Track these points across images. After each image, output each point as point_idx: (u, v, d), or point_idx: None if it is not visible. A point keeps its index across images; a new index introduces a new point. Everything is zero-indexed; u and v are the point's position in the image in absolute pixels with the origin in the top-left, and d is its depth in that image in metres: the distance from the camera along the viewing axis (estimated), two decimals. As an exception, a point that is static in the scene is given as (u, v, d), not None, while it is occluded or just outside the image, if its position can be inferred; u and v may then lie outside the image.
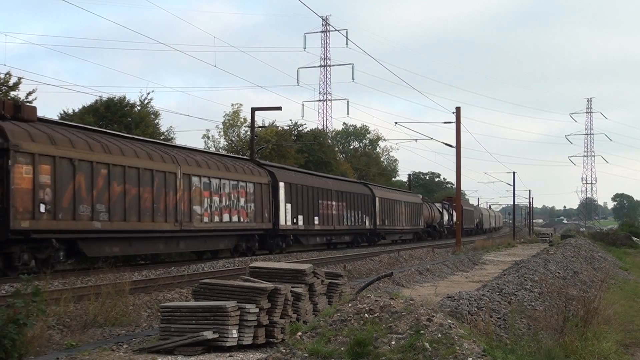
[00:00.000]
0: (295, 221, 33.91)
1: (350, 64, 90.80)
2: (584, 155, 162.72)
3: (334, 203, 39.46)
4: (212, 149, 54.52)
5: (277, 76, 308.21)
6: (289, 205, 33.29)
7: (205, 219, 26.30)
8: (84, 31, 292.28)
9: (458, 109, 40.58)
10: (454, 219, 71.51)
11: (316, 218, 36.62)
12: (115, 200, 21.48)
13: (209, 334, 8.98)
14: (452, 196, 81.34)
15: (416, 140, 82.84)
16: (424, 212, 62.38)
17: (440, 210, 69.93)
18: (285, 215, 32.77)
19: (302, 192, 35.16)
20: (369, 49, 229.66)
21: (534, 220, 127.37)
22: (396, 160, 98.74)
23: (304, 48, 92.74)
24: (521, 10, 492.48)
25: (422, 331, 7.44)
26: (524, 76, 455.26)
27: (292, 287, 10.30)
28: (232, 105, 63.97)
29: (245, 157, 36.47)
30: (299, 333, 8.17)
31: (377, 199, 47.02)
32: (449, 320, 7.85)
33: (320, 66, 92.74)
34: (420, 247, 41.90)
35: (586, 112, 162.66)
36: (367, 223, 45.24)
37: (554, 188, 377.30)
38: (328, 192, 38.89)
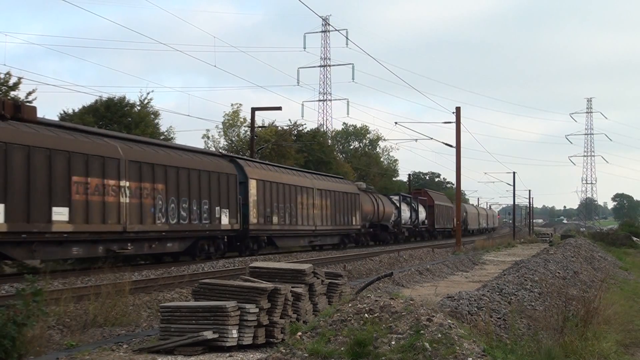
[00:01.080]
0: None
1: (350, 64, 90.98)
2: (584, 155, 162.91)
3: (127, 185, 21.91)
4: (212, 149, 54.57)
5: (277, 76, 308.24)
6: None
7: None
8: (84, 31, 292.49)
9: (458, 109, 40.60)
10: (421, 217, 59.65)
11: (62, 210, 19.41)
12: None
13: (209, 334, 8.99)
14: (420, 189, 70.70)
15: (416, 140, 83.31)
16: (365, 207, 45.05)
17: (397, 205, 53.23)
18: None
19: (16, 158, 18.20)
20: (369, 49, 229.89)
21: (534, 220, 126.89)
22: (396, 160, 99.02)
23: (304, 48, 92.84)
24: (521, 10, 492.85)
25: (422, 331, 7.44)
26: (524, 76, 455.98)
27: (292, 287, 10.30)
28: (232, 105, 64.07)
29: None
30: (299, 333, 8.16)
31: (251, 182, 30.03)
32: (449, 320, 7.85)
33: (320, 66, 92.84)
34: (420, 247, 41.87)
35: (586, 112, 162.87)
36: (226, 220, 27.71)
37: (554, 188, 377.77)
38: (111, 163, 21.35)
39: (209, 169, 27.02)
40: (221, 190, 27.51)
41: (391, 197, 54.30)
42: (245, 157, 35.27)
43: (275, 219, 32.02)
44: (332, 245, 40.51)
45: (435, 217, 64.22)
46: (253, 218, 29.99)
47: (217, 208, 27.19)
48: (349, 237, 42.91)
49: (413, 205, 58.13)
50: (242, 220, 28.93)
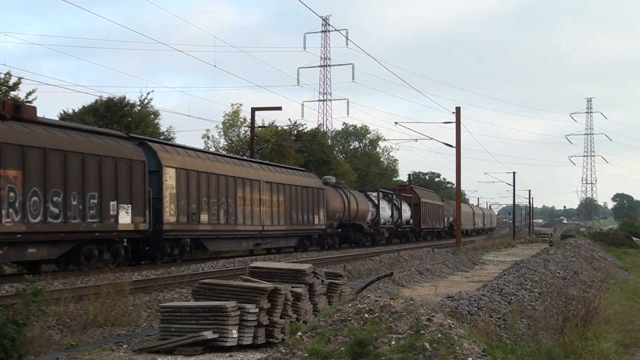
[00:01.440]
0: None
1: (350, 64, 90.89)
2: (584, 155, 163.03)
3: None
4: (212, 149, 54.55)
5: (277, 76, 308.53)
6: None
7: None
8: (84, 31, 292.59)
9: (458, 109, 40.62)
10: (405, 216, 54.34)
11: None
12: None
13: (209, 334, 8.99)
14: (404, 185, 63.78)
15: (416, 140, 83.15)
16: (331, 204, 39.31)
17: (376, 202, 47.37)
18: None
19: None
20: (369, 49, 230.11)
21: (534, 220, 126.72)
22: (396, 160, 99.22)
23: (304, 48, 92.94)
24: (521, 10, 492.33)
25: (422, 331, 7.43)
26: (524, 76, 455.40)
27: (292, 287, 10.31)
28: (232, 105, 63.95)
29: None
30: (299, 333, 8.16)
31: (167, 170, 24.28)
32: (449, 320, 7.85)
33: (320, 66, 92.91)
34: (420, 247, 41.87)
35: (586, 112, 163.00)
36: (127, 218, 22.06)
37: (554, 188, 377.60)
38: None
39: (99, 153, 20.82)
40: (120, 181, 21.56)
41: (368, 193, 48.07)
42: (162, 140, 27.38)
43: (204, 217, 26.32)
44: (294, 248, 35.38)
45: (422, 217, 58.05)
46: (170, 216, 24.09)
47: (113, 203, 21.27)
48: (310, 238, 36.88)
49: (396, 202, 51.92)
50: (153, 218, 23.17)
